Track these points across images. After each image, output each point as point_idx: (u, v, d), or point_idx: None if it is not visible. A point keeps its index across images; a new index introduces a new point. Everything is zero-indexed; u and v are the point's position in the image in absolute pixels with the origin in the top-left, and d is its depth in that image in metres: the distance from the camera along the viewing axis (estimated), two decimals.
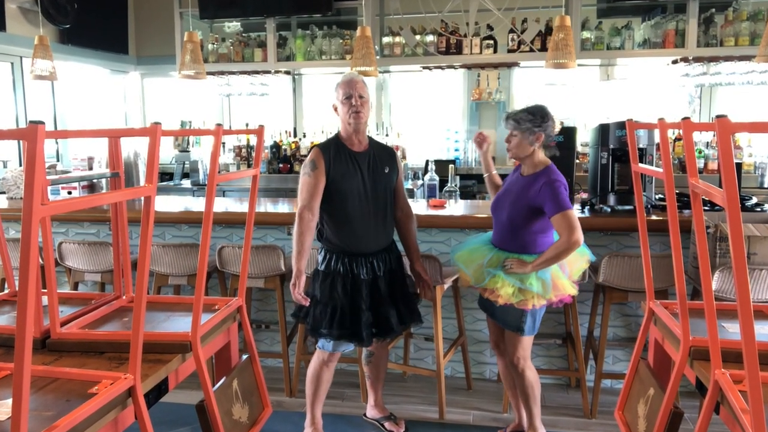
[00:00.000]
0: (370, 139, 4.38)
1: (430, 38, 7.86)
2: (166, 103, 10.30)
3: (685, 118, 2.71)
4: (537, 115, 4.07)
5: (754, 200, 5.45)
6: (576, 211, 5.19)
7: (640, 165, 3.72)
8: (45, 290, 3.29)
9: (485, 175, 4.62)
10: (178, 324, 3.51)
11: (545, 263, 3.92)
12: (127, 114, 10.30)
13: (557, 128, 4.28)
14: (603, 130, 5.30)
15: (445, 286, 4.90)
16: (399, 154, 4.74)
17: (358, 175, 4.17)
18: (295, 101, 9.75)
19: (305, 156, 4.30)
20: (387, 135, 8.84)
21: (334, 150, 4.20)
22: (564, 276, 4.08)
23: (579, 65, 7.07)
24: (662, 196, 5.45)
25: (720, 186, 2.26)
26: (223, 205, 6.22)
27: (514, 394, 4.53)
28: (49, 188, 5.83)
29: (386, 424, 4.77)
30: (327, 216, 4.22)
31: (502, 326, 4.19)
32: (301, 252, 4.07)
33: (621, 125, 5.18)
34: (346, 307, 4.16)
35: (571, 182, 5.27)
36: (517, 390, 4.35)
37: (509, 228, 4.08)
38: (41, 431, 2.25)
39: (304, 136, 9.18)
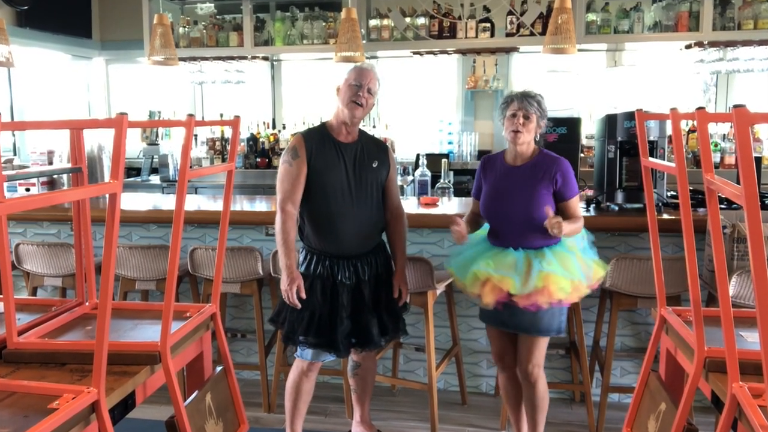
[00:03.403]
0: (362, 132, 4.39)
1: (421, 21, 7.86)
2: (133, 92, 10.23)
3: (700, 108, 2.71)
4: (543, 98, 4.14)
5: None
6: (580, 210, 5.23)
7: (651, 159, 3.73)
8: (0, 296, 3.27)
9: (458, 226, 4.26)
10: (146, 333, 3.49)
11: (572, 232, 4.05)
12: (90, 104, 10.26)
13: None
14: (610, 122, 5.31)
15: (438, 292, 4.90)
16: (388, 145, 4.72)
17: (341, 167, 4.17)
18: (273, 90, 9.74)
19: (285, 149, 4.29)
20: (374, 126, 8.86)
21: (318, 138, 4.22)
22: (594, 255, 4.19)
23: (584, 50, 7.10)
24: (675, 194, 5.46)
25: (738, 182, 2.26)
26: (195, 203, 6.21)
27: (514, 410, 4.52)
28: (5, 185, 5.80)
29: None
30: (307, 213, 4.22)
31: (535, 334, 4.13)
32: (287, 249, 4.09)
33: (630, 116, 5.18)
34: (324, 314, 4.16)
35: (576, 178, 5.28)
36: (525, 402, 4.34)
37: (530, 222, 4.06)
38: None
39: (284, 127, 9.18)
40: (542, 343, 4.17)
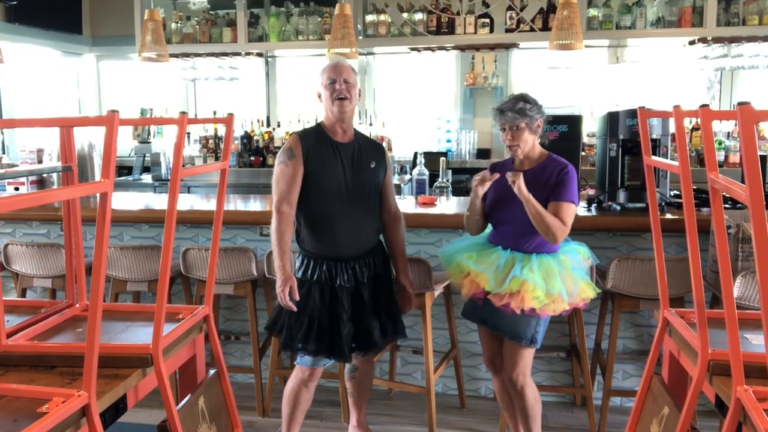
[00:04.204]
0: (358, 132, 4.39)
1: (418, 16, 7.87)
2: (124, 89, 10.23)
3: (704, 106, 2.71)
4: (531, 101, 4.11)
5: None
6: (581, 209, 5.21)
7: (653, 158, 3.73)
8: None
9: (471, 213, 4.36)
10: (138, 335, 3.48)
11: (536, 211, 3.93)
12: (80, 101, 10.25)
13: None
14: (612, 119, 5.31)
15: (436, 293, 4.89)
16: (384, 145, 4.73)
17: (339, 166, 4.16)
18: (268, 87, 9.73)
19: (279, 148, 4.28)
20: (371, 125, 8.85)
21: (314, 138, 4.20)
22: (585, 277, 4.16)
23: (585, 47, 7.09)
24: (678, 193, 5.47)
25: (742, 181, 2.26)
26: (188, 202, 6.22)
27: (512, 415, 4.52)
28: None
29: None
30: (303, 215, 4.21)
31: (510, 338, 4.14)
32: (281, 250, 4.05)
33: (632, 113, 5.18)
34: (324, 319, 4.14)
35: (577, 177, 5.27)
36: (516, 410, 4.35)
37: (527, 227, 4.06)
38: None
39: (279, 125, 9.16)
40: (525, 352, 4.16)
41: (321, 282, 4.17)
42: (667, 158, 5.17)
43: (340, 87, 4.11)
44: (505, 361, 4.22)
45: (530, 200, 3.93)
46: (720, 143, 7.95)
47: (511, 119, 4.04)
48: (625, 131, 5.25)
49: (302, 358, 4.28)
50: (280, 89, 9.76)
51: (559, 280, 4.02)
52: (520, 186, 3.91)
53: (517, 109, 4.04)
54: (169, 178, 3.23)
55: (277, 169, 4.17)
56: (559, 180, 4.06)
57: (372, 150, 4.35)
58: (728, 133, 8.09)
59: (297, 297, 4.05)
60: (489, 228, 4.37)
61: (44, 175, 6.36)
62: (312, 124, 4.41)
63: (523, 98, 4.12)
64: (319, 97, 4.24)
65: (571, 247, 4.20)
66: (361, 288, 4.23)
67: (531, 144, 4.13)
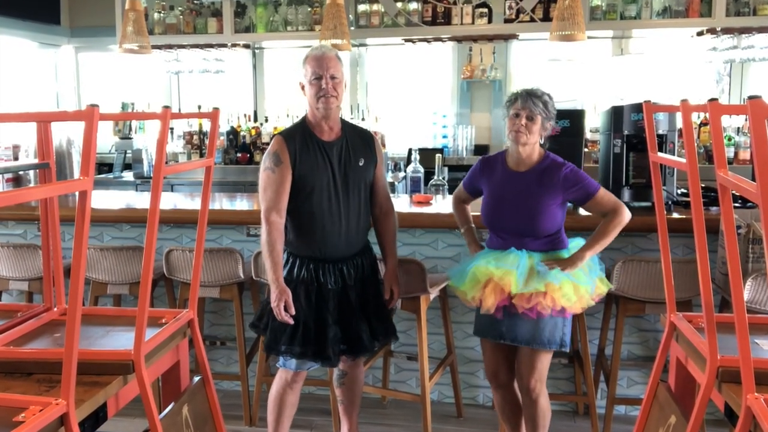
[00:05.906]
0: (344, 122, 4.35)
1: (413, 6, 7.87)
2: (104, 82, 10.22)
3: (712, 100, 2.71)
4: (553, 101, 4.11)
5: None
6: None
7: (660, 154, 3.73)
8: None
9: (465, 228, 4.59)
10: (119, 340, 3.47)
11: (599, 246, 4.00)
12: (58, 95, 10.23)
13: None
14: (616, 114, 5.32)
15: (431, 296, 4.89)
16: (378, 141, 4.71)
17: (327, 168, 4.13)
18: (255, 80, 9.75)
19: (267, 144, 4.25)
20: (363, 119, 8.81)
21: (300, 139, 4.16)
22: (599, 272, 4.18)
23: (588, 38, 7.10)
24: (685, 191, 5.47)
25: (753, 179, 2.27)
26: (171, 201, 6.21)
27: (513, 428, 4.51)
28: None
29: None
30: (290, 215, 4.19)
31: (535, 346, 4.09)
32: (274, 263, 4.05)
33: (637, 108, 5.19)
34: (309, 321, 4.12)
35: None
36: (525, 418, 4.33)
37: (533, 234, 4.08)
38: None
39: (266, 120, 9.15)
40: (545, 357, 4.15)
41: (307, 282, 4.16)
42: (674, 155, 5.18)
43: (326, 86, 4.05)
44: (522, 368, 4.19)
45: (588, 253, 4.01)
46: (729, 139, 7.96)
47: (532, 105, 4.03)
48: (630, 126, 5.25)
49: (287, 361, 4.27)
50: (267, 82, 9.76)
51: (582, 272, 4.04)
52: (576, 266, 3.98)
53: (542, 98, 4.07)
54: (152, 175, 3.22)
55: (263, 175, 4.15)
56: (576, 183, 4.06)
57: (360, 145, 4.30)
58: (738, 128, 8.09)
59: (293, 311, 4.04)
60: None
61: (20, 172, 6.35)
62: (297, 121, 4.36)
63: (548, 95, 4.15)
64: (302, 88, 4.19)
65: (578, 243, 4.19)
66: (348, 290, 4.22)
67: (534, 142, 4.12)
